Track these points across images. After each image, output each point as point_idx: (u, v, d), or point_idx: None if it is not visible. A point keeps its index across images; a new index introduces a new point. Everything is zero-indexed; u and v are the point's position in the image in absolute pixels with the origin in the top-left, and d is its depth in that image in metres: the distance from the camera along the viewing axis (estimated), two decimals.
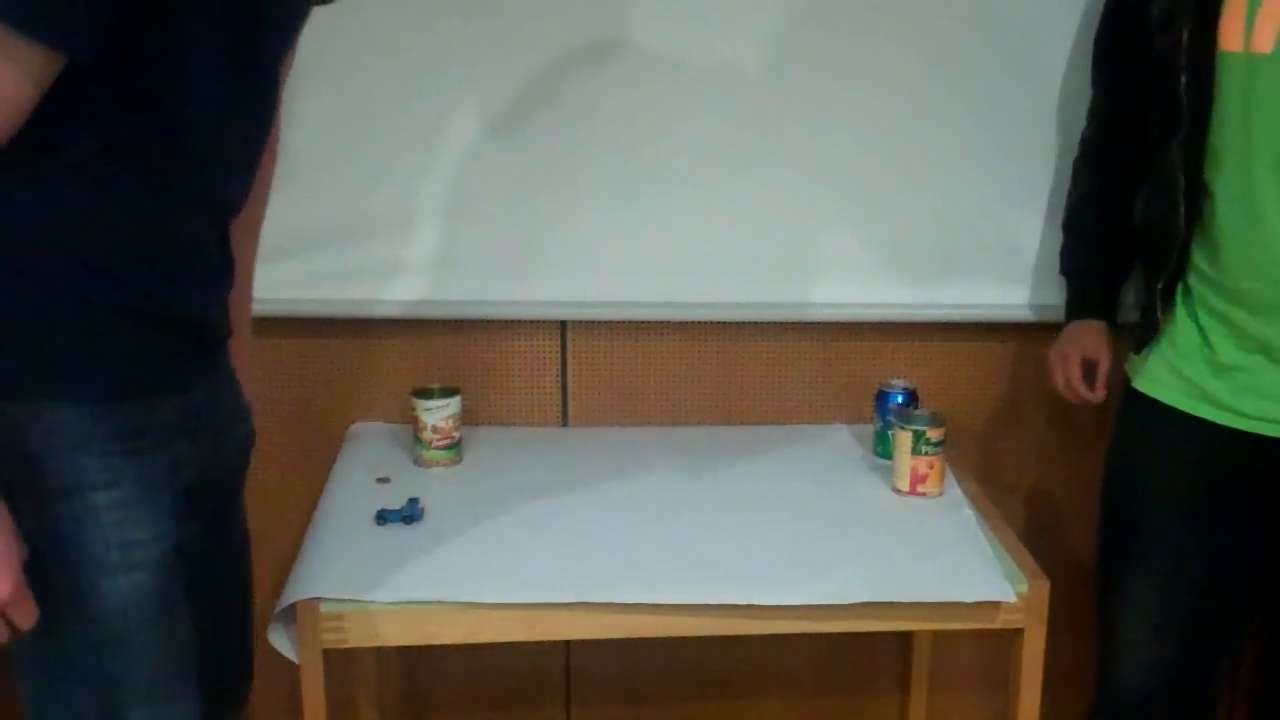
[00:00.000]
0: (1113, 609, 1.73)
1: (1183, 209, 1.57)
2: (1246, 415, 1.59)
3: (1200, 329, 1.62)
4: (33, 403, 1.08)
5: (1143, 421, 1.70)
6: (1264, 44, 1.49)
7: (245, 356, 1.45)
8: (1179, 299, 1.64)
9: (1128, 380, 1.73)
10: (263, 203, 1.47)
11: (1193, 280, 1.62)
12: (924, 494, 1.74)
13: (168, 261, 1.16)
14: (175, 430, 1.19)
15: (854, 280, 1.97)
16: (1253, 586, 1.73)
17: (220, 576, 1.35)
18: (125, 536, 1.13)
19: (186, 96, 1.11)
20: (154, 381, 1.17)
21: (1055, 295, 1.96)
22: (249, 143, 1.27)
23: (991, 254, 1.97)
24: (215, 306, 1.27)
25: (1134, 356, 1.72)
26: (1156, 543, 1.68)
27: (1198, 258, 1.60)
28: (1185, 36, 1.53)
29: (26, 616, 1.08)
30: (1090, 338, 1.81)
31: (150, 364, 1.16)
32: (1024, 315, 2.00)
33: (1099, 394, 1.78)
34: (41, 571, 1.09)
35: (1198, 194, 1.57)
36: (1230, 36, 1.51)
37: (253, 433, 1.42)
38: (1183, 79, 1.54)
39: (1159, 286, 1.64)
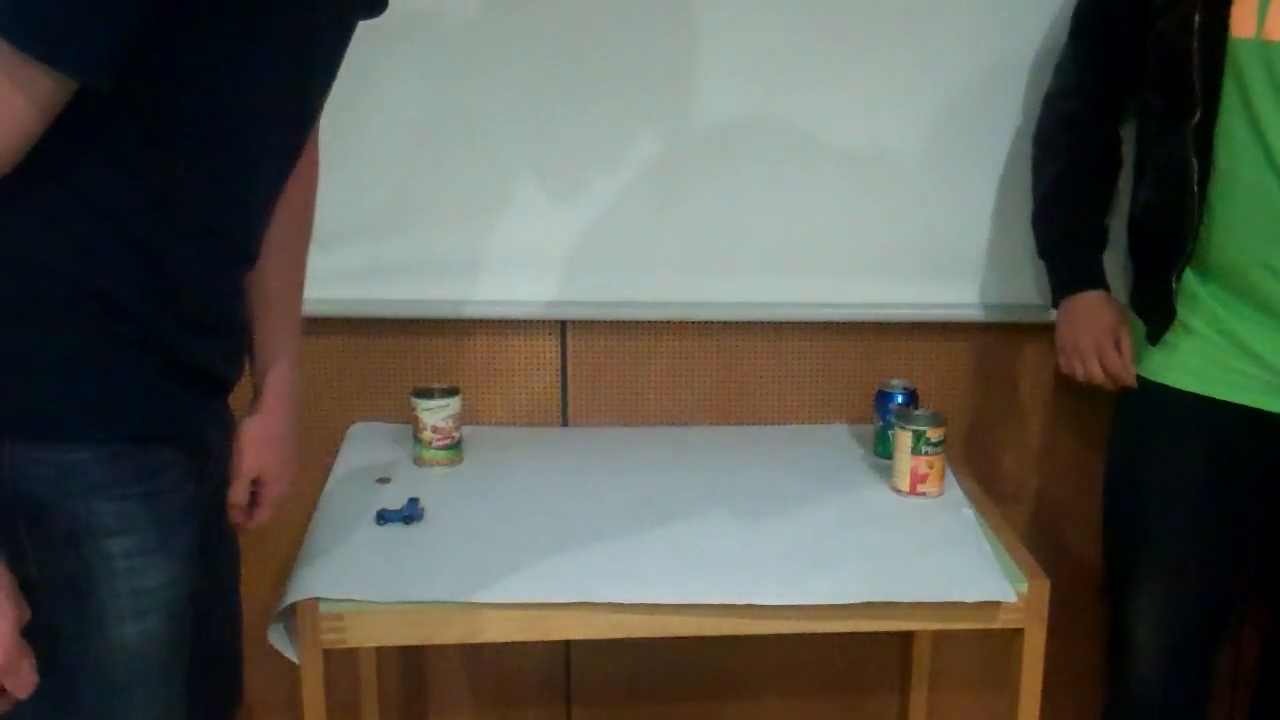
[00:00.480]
0: (1123, 599, 1.75)
1: (1197, 194, 1.58)
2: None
3: (1213, 311, 1.63)
4: (48, 444, 1.04)
5: (1152, 412, 1.71)
6: (1277, 31, 1.50)
7: (289, 394, 1.37)
8: (1187, 285, 1.65)
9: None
10: (306, 226, 1.39)
11: (1195, 265, 1.63)
12: (924, 494, 1.74)
13: (183, 305, 1.12)
14: (189, 470, 1.16)
15: (854, 280, 1.97)
16: (1257, 578, 1.79)
17: (217, 602, 1.32)
18: (137, 584, 1.09)
19: (217, 127, 1.06)
20: (172, 423, 1.13)
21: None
22: (277, 176, 1.21)
23: (992, 254, 1.97)
24: (227, 354, 1.23)
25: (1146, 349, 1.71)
26: (1168, 531, 1.69)
27: (1202, 242, 1.61)
28: (1197, 21, 1.53)
29: (23, 685, 1.03)
30: (1106, 311, 1.74)
31: (168, 405, 1.13)
32: (1025, 315, 2.00)
33: (1131, 373, 1.71)
34: (46, 618, 1.04)
35: (1206, 180, 1.58)
36: (1243, 23, 1.51)
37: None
38: (1195, 64, 1.54)
39: (1173, 273, 1.63)
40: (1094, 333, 1.73)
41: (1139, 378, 1.71)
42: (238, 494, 1.33)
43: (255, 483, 1.35)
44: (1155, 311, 1.68)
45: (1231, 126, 1.54)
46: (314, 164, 1.39)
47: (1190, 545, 1.68)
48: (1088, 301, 1.76)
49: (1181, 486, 1.68)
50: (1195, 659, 1.75)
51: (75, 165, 1.01)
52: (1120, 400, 1.76)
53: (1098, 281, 1.78)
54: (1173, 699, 1.75)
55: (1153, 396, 1.69)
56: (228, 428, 1.30)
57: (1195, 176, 1.57)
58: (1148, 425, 1.72)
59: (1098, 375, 1.74)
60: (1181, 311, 1.65)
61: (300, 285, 1.38)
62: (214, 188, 1.10)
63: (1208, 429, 1.66)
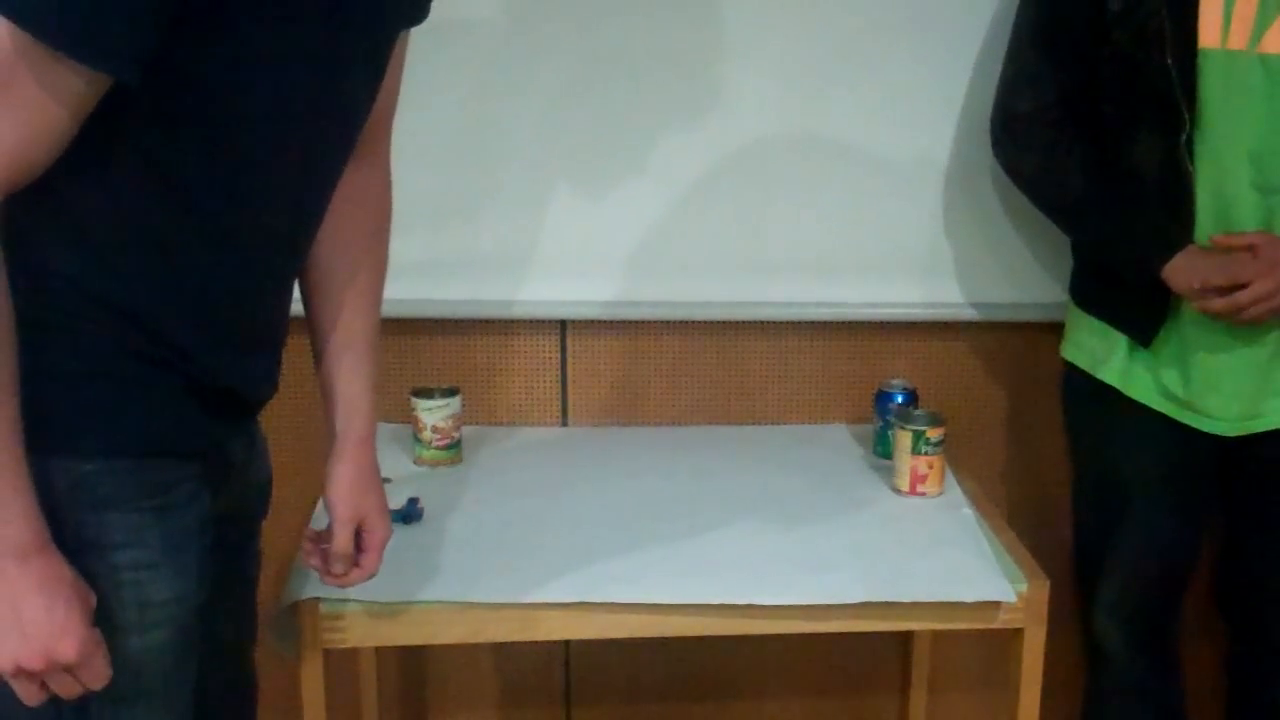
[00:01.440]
0: (1086, 583, 1.87)
1: (1198, 206, 1.58)
2: (1208, 415, 1.67)
3: (1178, 324, 1.65)
4: (60, 455, 1.02)
5: (1111, 413, 1.75)
6: (1240, 41, 1.51)
7: (369, 448, 1.31)
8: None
9: (1080, 369, 1.79)
10: (380, 261, 1.32)
11: None
12: (924, 494, 1.74)
13: (212, 320, 1.10)
14: (205, 483, 1.14)
15: (854, 280, 1.97)
16: (1214, 591, 1.93)
17: (231, 607, 1.30)
18: (144, 597, 1.08)
19: (246, 130, 1.03)
20: (190, 439, 1.12)
21: (1056, 294, 1.96)
22: (317, 187, 1.17)
23: (992, 254, 1.97)
24: (258, 375, 1.21)
25: (1100, 350, 1.75)
26: (1133, 515, 1.77)
27: None
28: (1168, 32, 1.53)
29: (97, 676, 1.03)
30: (1198, 254, 1.60)
31: (186, 421, 1.11)
32: (1024, 315, 2.00)
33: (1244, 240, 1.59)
34: None
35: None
36: (1209, 33, 1.52)
37: (270, 473, 1.35)
38: (1174, 77, 1.54)
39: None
40: (1204, 270, 1.59)
41: (1096, 380, 1.75)
42: (342, 543, 1.30)
43: (358, 530, 1.31)
44: (1143, 316, 1.68)
45: (1199, 138, 1.56)
46: (387, 202, 1.34)
47: (1143, 532, 1.76)
48: (1183, 257, 1.61)
49: (1134, 478, 1.75)
50: (1151, 633, 1.83)
51: (98, 172, 1.00)
52: (1089, 398, 1.80)
53: (1179, 243, 1.62)
54: (1136, 673, 1.84)
55: (1109, 397, 1.73)
56: (253, 441, 1.28)
57: (1196, 189, 1.58)
58: (1105, 421, 1.77)
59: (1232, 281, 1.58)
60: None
61: (376, 324, 1.33)
62: (241, 198, 1.08)
63: (1164, 435, 1.70)
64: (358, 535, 1.32)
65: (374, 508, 1.31)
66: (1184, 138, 1.56)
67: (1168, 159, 1.59)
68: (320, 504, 1.68)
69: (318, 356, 1.31)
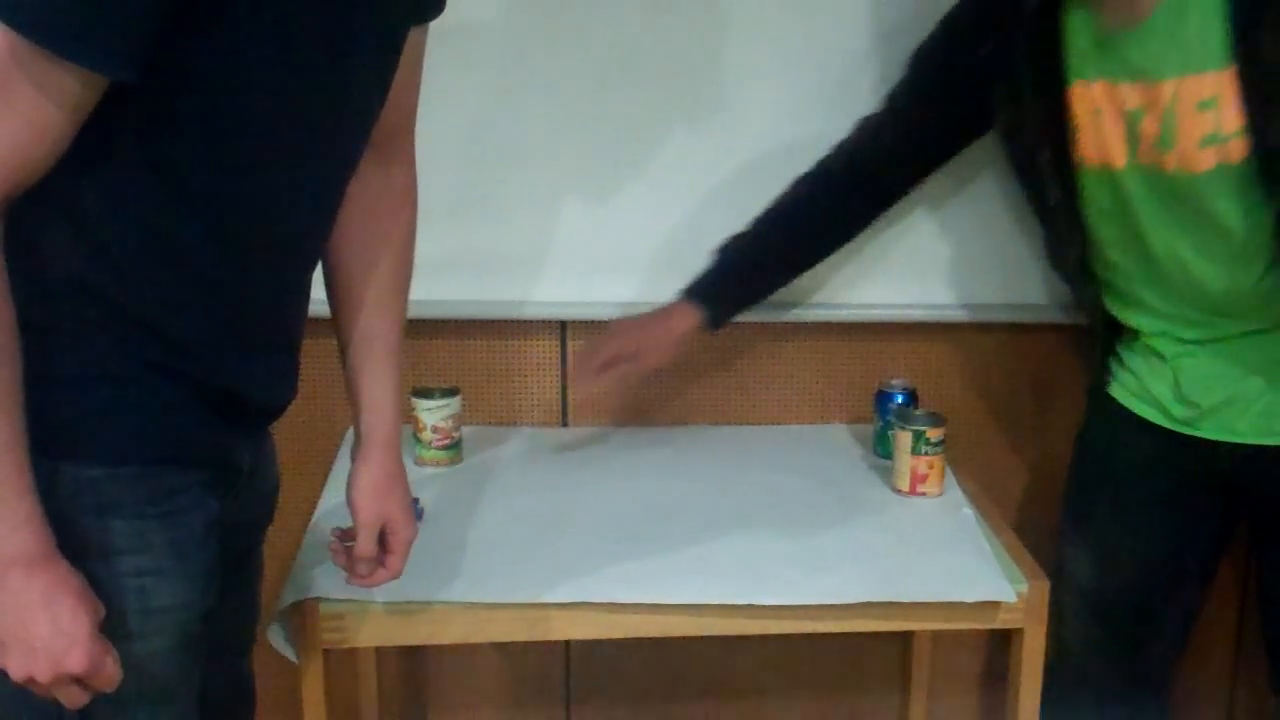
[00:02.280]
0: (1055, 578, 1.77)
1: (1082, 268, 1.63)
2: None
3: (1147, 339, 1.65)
4: (66, 460, 1.02)
5: (1104, 416, 1.73)
6: (1117, 158, 1.49)
7: (396, 456, 1.33)
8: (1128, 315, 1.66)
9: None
10: (406, 263, 1.34)
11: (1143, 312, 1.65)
12: (924, 494, 1.74)
13: (220, 323, 1.09)
14: (212, 489, 1.14)
15: (854, 280, 1.97)
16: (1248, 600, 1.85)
17: (232, 611, 1.30)
18: (147, 604, 1.08)
19: (248, 127, 1.02)
20: (198, 448, 1.12)
21: (1056, 296, 1.96)
22: (328, 185, 1.16)
23: (992, 255, 1.97)
24: (270, 379, 1.20)
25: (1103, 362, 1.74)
26: (1104, 520, 1.74)
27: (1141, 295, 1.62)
28: (1048, 154, 1.53)
29: (107, 680, 1.03)
30: (655, 319, 1.75)
31: (195, 430, 1.11)
32: (1025, 316, 2.00)
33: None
34: None
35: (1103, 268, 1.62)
36: (1087, 151, 1.51)
37: (278, 480, 1.36)
38: (1058, 194, 1.56)
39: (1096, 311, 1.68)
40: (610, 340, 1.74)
41: (1098, 388, 1.73)
42: (365, 546, 1.30)
43: (382, 532, 1.32)
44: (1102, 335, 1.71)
45: (1110, 238, 1.56)
46: (412, 203, 1.34)
47: (1121, 540, 1.71)
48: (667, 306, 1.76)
49: (1129, 488, 1.71)
50: (1124, 641, 1.75)
51: (101, 173, 0.99)
52: (1089, 403, 1.79)
53: (693, 294, 1.76)
54: (1098, 678, 1.76)
55: (1107, 403, 1.72)
56: (262, 447, 1.28)
57: (1077, 254, 1.61)
58: (1098, 424, 1.75)
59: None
60: (1125, 335, 1.69)
61: (401, 326, 1.34)
62: (246, 196, 1.07)
63: (1155, 446, 1.67)
64: (382, 537, 1.32)
65: (397, 510, 1.32)
66: (1074, 253, 1.61)
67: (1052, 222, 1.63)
68: (321, 501, 1.69)
69: (344, 358, 1.31)
